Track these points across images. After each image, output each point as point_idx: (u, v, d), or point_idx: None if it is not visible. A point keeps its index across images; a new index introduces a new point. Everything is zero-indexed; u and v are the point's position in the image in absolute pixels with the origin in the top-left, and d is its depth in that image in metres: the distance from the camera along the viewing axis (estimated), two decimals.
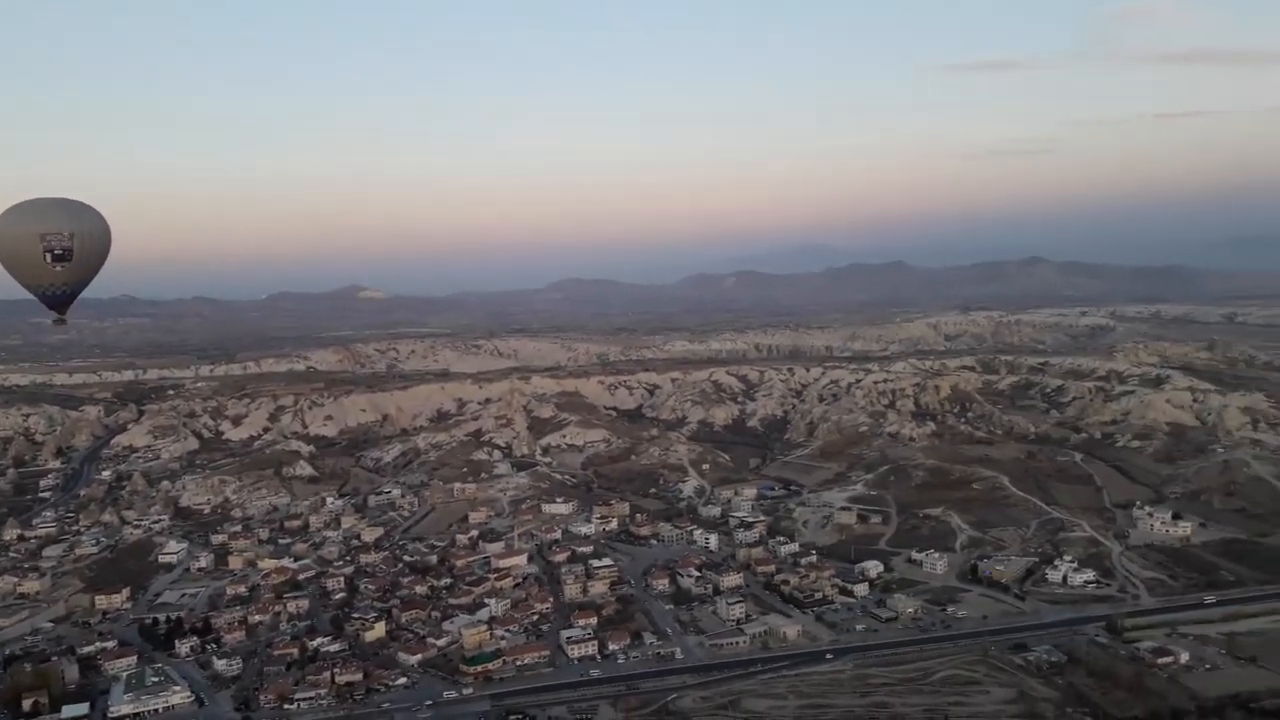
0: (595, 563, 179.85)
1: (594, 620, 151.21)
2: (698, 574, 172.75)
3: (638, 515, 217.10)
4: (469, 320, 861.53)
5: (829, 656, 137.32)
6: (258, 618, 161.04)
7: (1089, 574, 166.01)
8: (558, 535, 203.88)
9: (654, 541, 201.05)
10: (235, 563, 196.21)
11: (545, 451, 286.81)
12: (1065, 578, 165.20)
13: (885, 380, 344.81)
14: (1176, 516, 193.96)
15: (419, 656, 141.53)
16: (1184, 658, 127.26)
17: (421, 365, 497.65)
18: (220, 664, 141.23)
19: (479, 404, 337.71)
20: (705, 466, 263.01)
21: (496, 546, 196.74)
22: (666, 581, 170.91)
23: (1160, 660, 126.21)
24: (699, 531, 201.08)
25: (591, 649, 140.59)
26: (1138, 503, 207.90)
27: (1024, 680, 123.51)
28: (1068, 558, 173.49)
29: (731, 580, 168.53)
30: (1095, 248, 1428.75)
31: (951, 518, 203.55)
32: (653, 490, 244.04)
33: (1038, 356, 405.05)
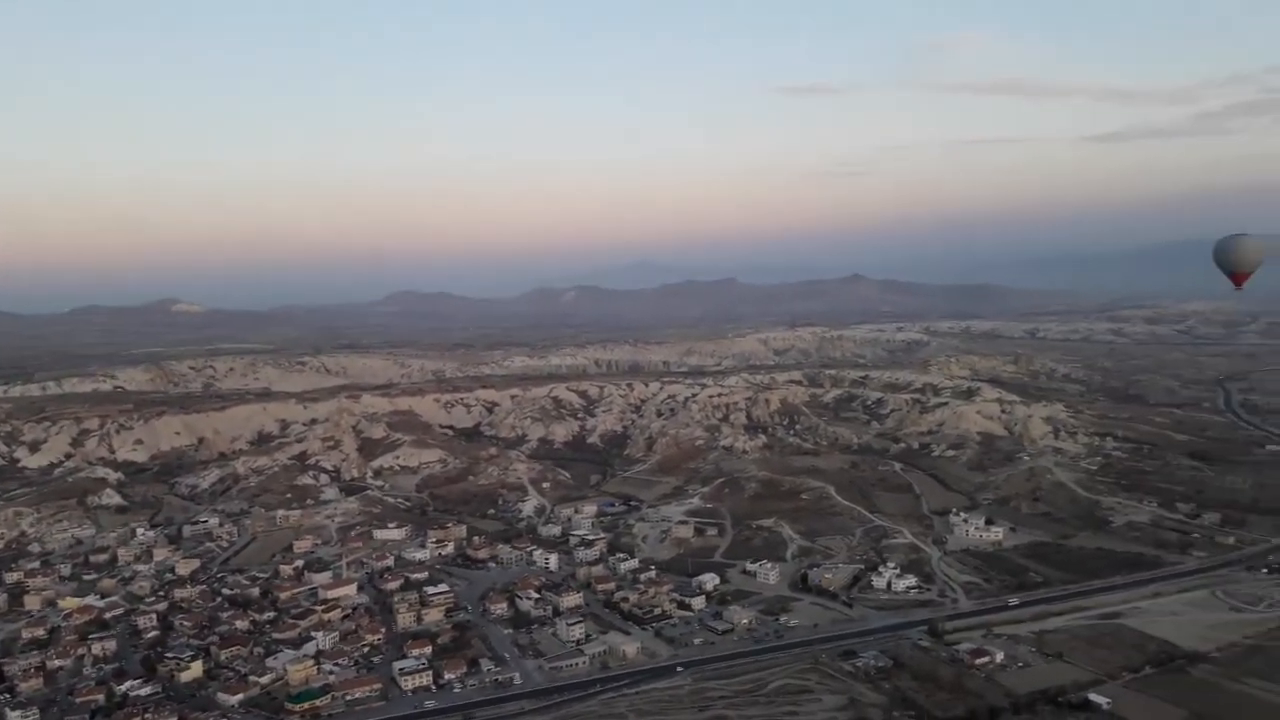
0: (430, 589, 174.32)
1: (429, 649, 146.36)
2: (537, 596, 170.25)
3: (475, 538, 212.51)
4: (295, 335, 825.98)
5: (679, 669, 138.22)
6: (58, 662, 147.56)
7: (911, 579, 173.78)
8: (390, 562, 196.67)
9: (492, 564, 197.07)
10: (32, 602, 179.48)
11: (377, 474, 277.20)
12: (889, 584, 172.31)
13: (720, 394, 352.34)
14: (989, 522, 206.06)
15: (240, 696, 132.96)
16: (999, 657, 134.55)
17: (241, 384, 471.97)
18: (14, 715, 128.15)
19: (304, 425, 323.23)
20: (545, 485, 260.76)
21: (324, 576, 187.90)
22: (505, 605, 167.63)
23: (978, 661, 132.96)
24: (539, 552, 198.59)
25: (426, 679, 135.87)
26: (954, 509, 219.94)
27: (853, 686, 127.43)
28: (891, 564, 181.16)
29: (571, 600, 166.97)
30: (911, 266, 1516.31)
31: (783, 528, 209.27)
32: (491, 511, 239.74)
33: (859, 370, 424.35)
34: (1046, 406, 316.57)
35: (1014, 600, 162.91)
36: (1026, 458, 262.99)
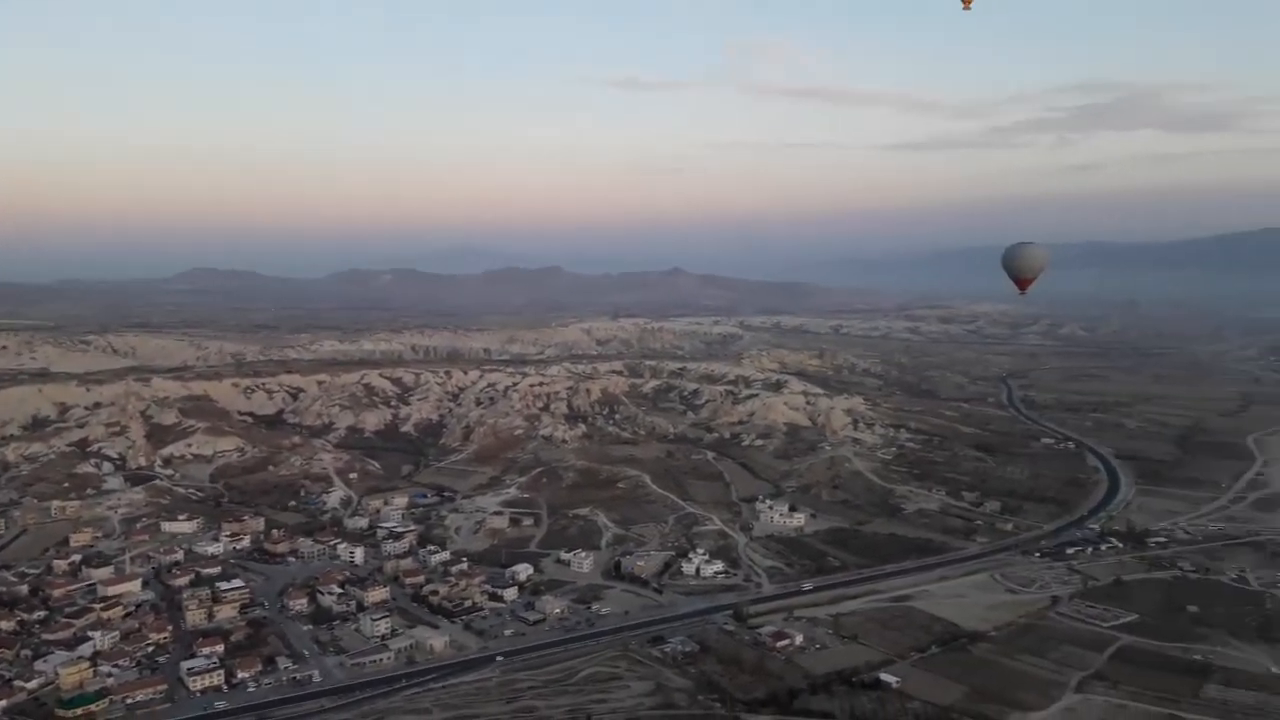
0: (223, 585, 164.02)
1: (221, 648, 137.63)
2: (340, 590, 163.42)
3: (274, 531, 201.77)
4: (77, 312, 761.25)
5: (499, 659, 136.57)
6: None
7: (719, 565, 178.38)
8: (179, 556, 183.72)
9: (292, 559, 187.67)
10: None
11: (167, 463, 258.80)
12: (698, 569, 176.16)
13: (541, 384, 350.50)
14: (793, 509, 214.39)
15: (4, 703, 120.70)
16: (799, 639, 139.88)
17: (15, 364, 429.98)
18: None
19: (86, 409, 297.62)
20: (353, 475, 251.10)
21: (104, 572, 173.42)
22: (305, 601, 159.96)
23: (779, 643, 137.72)
24: (344, 545, 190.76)
25: (217, 679, 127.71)
26: (760, 497, 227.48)
27: (661, 672, 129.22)
28: (701, 551, 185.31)
29: (377, 595, 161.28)
30: (728, 262, 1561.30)
31: (599, 516, 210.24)
32: (293, 503, 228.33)
33: (677, 362, 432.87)
34: (847, 399, 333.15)
35: (810, 585, 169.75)
36: (828, 448, 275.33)
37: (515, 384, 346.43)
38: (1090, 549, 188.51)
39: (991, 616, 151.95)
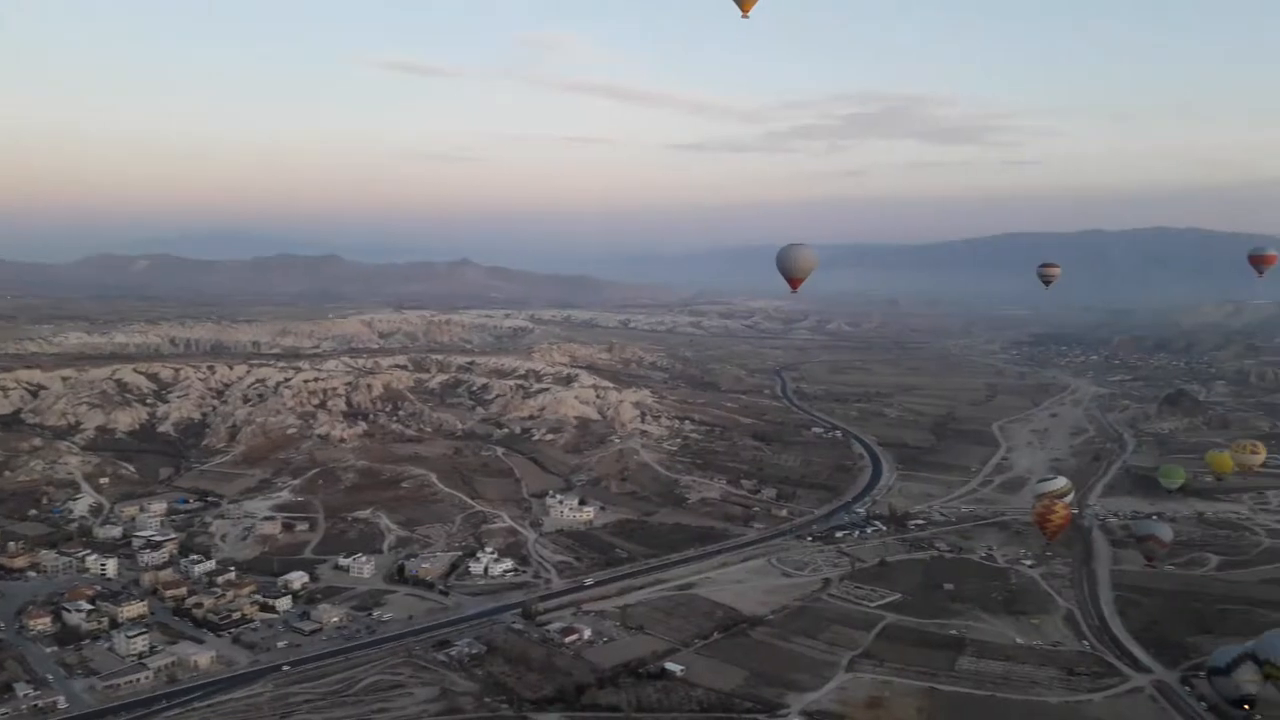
0: None
1: None
2: (90, 607, 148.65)
3: (11, 544, 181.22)
4: None
5: (285, 667, 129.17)
6: None
7: (509, 563, 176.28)
8: None
9: (33, 573, 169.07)
10: None
11: None
12: (487, 569, 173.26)
13: (317, 379, 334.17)
14: (582, 502, 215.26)
15: None
16: (587, 634, 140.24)
17: None
18: None
19: None
20: (104, 480, 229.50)
21: None
22: (49, 620, 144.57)
23: (567, 639, 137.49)
24: (94, 557, 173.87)
25: None
26: (551, 492, 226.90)
27: (447, 676, 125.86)
28: (489, 549, 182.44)
29: (133, 610, 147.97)
30: (518, 254, 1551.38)
31: (381, 518, 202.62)
32: (33, 512, 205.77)
33: (466, 356, 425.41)
34: (635, 392, 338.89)
35: (597, 579, 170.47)
36: (617, 440, 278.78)
37: (288, 380, 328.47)
38: (857, 532, 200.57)
39: (769, 600, 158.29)
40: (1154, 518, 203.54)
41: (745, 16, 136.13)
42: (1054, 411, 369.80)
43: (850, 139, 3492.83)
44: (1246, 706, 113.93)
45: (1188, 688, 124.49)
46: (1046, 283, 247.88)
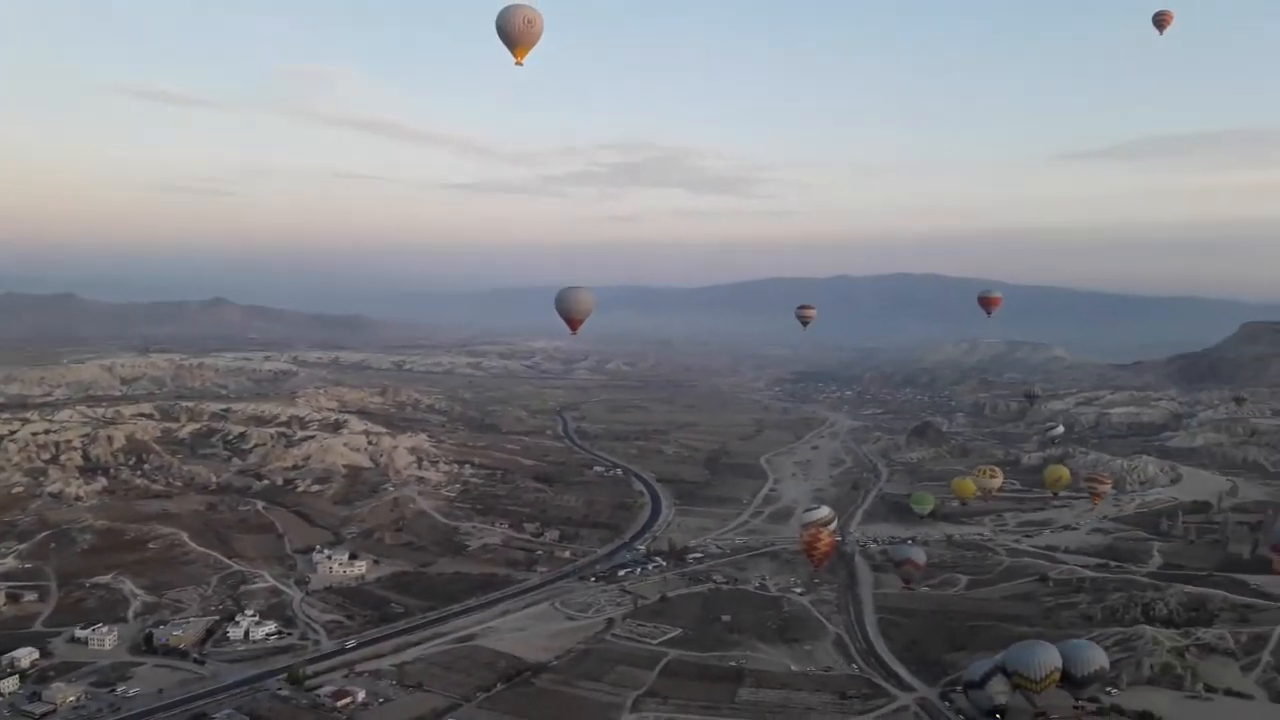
0: None
1: None
2: None
3: None
4: None
5: None
6: None
7: (271, 626, 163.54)
8: None
9: None
10: None
11: None
12: (247, 633, 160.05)
13: (48, 431, 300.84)
14: (353, 556, 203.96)
15: None
16: (360, 696, 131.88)
17: None
18: None
19: None
20: None
21: None
22: None
23: (339, 703, 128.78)
24: None
25: None
26: (318, 546, 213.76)
27: None
28: (250, 612, 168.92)
29: None
30: (280, 293, 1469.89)
31: (124, 584, 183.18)
32: None
33: (221, 402, 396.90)
34: (411, 437, 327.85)
35: (360, 640, 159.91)
36: (391, 488, 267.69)
37: (14, 432, 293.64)
38: (639, 569, 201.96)
39: (553, 646, 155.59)
40: (909, 542, 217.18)
41: (519, 64, 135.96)
42: (815, 444, 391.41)
43: (620, 186, 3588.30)
44: (999, 716, 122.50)
45: (947, 703, 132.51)
46: (804, 323, 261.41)
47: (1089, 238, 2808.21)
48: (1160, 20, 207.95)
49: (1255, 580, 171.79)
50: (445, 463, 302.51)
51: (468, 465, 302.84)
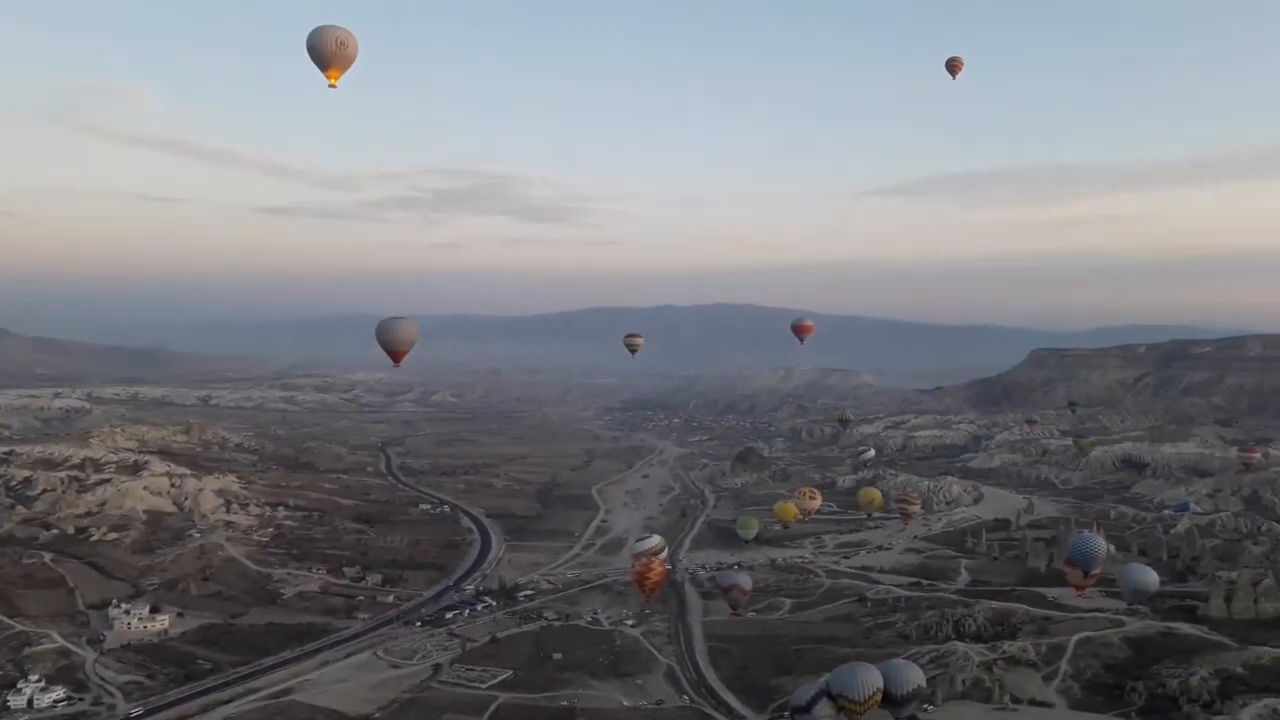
0: None
1: None
2: None
3: None
4: None
5: None
6: None
7: (59, 691, 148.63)
8: None
9: None
10: None
11: None
12: (31, 700, 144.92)
13: None
14: (155, 610, 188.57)
15: None
16: None
17: None
18: None
19: None
20: None
21: None
22: None
23: None
24: None
25: None
26: (115, 600, 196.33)
27: None
28: (34, 677, 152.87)
29: None
30: (71, 323, 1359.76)
31: None
32: None
33: (3, 445, 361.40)
34: (219, 479, 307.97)
35: (137, 710, 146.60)
36: (197, 534, 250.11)
37: None
38: (468, 610, 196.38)
39: (375, 697, 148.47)
40: (735, 567, 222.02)
41: (333, 86, 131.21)
42: (645, 473, 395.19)
43: (444, 212, 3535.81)
44: None
45: None
46: (633, 351, 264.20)
47: (892, 269, 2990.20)
48: (952, 66, 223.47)
49: (1052, 593, 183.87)
50: (256, 505, 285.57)
51: (281, 507, 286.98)
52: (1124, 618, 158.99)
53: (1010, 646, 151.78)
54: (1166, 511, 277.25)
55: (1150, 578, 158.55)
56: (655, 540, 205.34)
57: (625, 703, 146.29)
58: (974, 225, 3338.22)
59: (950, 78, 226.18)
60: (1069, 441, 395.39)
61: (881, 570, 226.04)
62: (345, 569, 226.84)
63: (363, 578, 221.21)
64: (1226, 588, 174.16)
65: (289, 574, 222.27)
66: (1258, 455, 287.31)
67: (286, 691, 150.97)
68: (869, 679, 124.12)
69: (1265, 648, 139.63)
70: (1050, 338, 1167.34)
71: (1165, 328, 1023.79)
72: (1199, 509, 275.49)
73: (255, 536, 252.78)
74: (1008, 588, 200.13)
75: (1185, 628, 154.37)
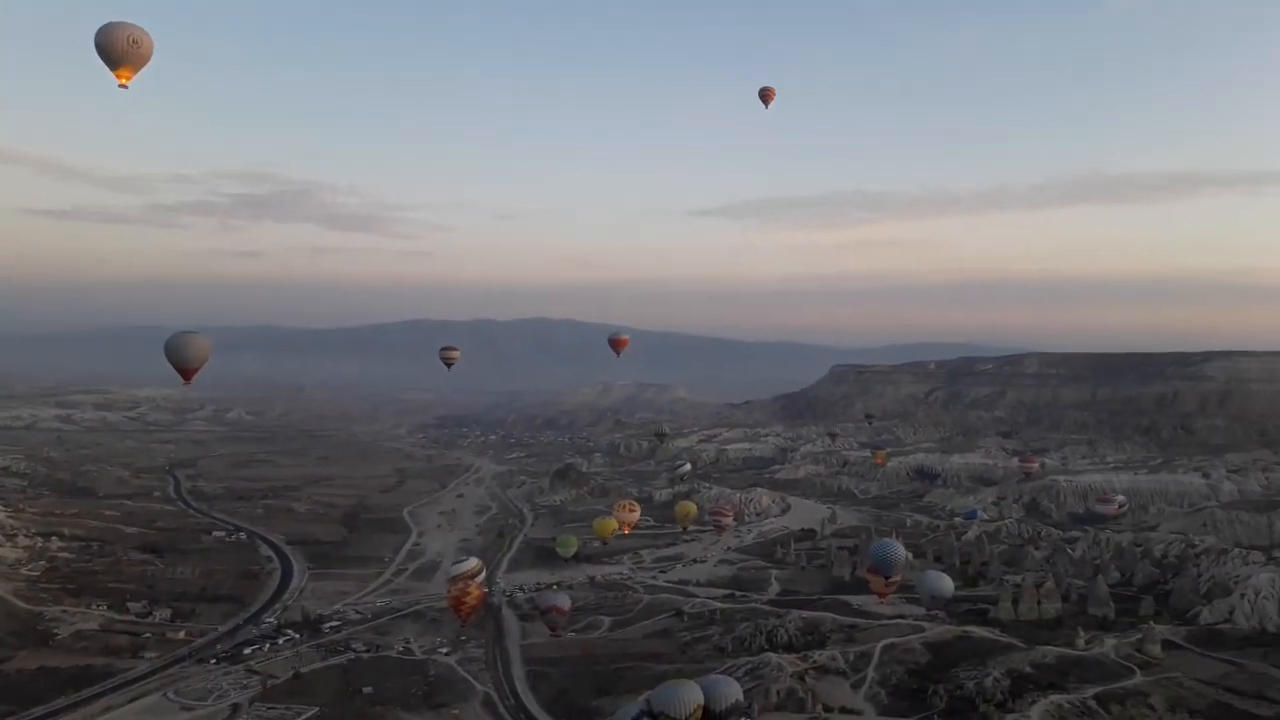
0: None
1: None
2: None
3: None
4: None
5: None
6: None
7: None
8: None
9: None
10: None
11: None
12: None
13: None
14: None
15: None
16: None
17: None
18: None
19: None
20: None
21: None
22: None
23: None
24: None
25: None
26: None
27: None
28: None
29: None
30: None
31: None
32: None
33: None
34: None
35: None
36: None
37: None
38: (268, 645, 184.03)
39: None
40: (554, 587, 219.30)
41: (123, 86, 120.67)
42: (460, 492, 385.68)
43: (243, 219, 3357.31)
44: None
45: None
46: (448, 365, 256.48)
47: (705, 288, 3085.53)
48: (764, 95, 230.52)
49: (857, 600, 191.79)
50: (26, 535, 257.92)
51: (55, 537, 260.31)
52: (924, 623, 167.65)
53: (820, 655, 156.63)
54: (957, 519, 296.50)
55: (946, 584, 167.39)
56: (473, 563, 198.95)
57: None
58: (779, 247, 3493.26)
59: (763, 107, 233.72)
60: (867, 453, 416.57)
61: (697, 584, 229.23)
62: (129, 604, 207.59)
63: (149, 613, 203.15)
64: (1013, 591, 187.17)
65: (64, 612, 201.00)
66: (1036, 465, 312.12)
67: None
68: (690, 696, 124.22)
69: (1049, 647, 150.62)
70: (849, 354, 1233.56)
71: (953, 345, 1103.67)
72: (985, 516, 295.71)
73: (25, 571, 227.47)
74: (815, 596, 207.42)
75: (979, 630, 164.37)
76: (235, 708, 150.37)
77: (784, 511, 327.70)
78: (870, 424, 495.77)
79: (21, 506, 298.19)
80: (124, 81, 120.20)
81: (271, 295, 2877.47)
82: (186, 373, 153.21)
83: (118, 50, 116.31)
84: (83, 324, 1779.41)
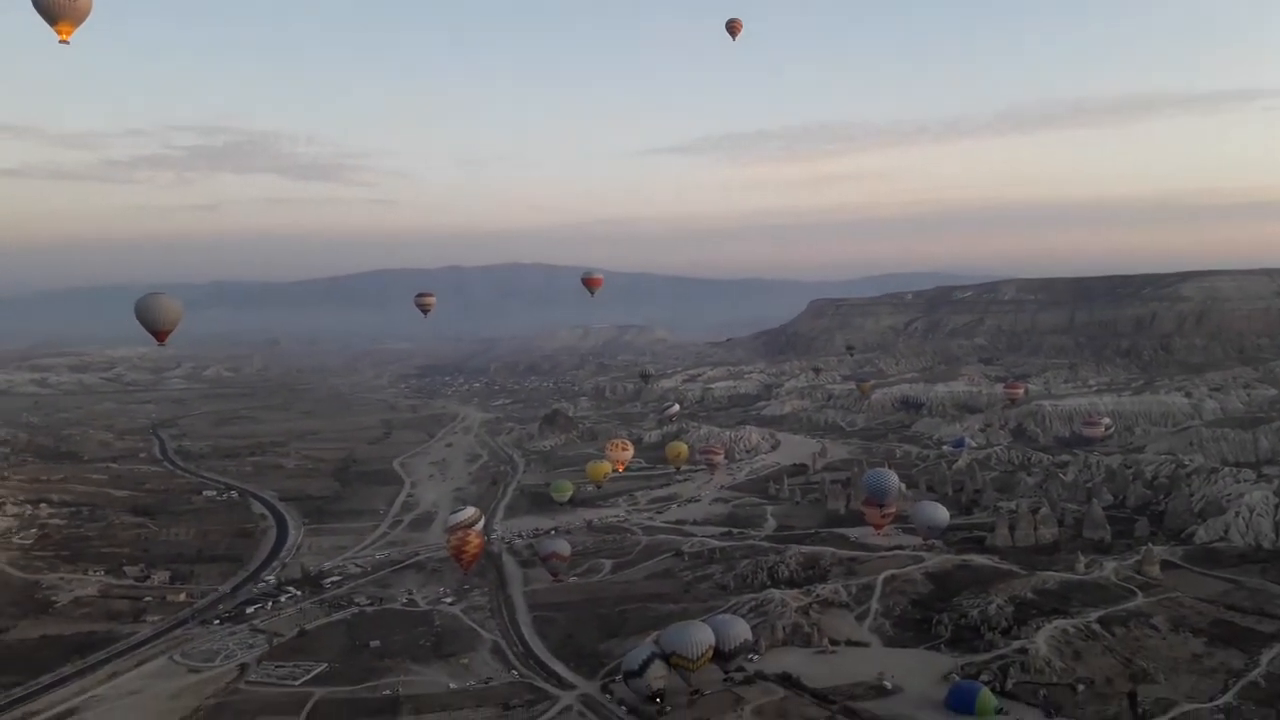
0: None
1: None
2: None
3: None
4: None
5: None
6: None
7: None
8: None
9: None
10: None
11: None
12: None
13: None
14: None
15: None
16: None
17: None
18: None
19: None
20: None
21: None
22: None
23: None
24: None
25: None
26: None
27: None
28: None
29: None
30: None
31: None
32: None
33: None
34: None
35: None
36: None
37: None
38: (271, 603, 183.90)
39: (177, 706, 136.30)
40: (552, 533, 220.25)
41: (64, 42, 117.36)
42: (449, 441, 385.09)
43: (198, 171, 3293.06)
44: (659, 700, 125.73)
45: (608, 695, 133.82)
46: (425, 311, 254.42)
47: (676, 226, 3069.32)
48: (732, 27, 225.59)
49: (854, 533, 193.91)
50: (14, 504, 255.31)
51: (44, 504, 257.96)
52: (923, 554, 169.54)
53: (823, 589, 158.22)
54: (945, 447, 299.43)
55: (941, 514, 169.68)
56: (470, 511, 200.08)
57: (452, 685, 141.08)
58: (747, 182, 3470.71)
59: (730, 39, 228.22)
60: (852, 386, 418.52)
61: (694, 523, 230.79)
62: (126, 568, 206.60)
63: (148, 576, 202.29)
64: (1009, 518, 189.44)
65: (61, 579, 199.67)
66: (1020, 391, 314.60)
67: (71, 712, 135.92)
68: (701, 637, 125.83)
69: (1050, 573, 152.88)
70: (824, 288, 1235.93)
71: (928, 275, 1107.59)
72: (974, 443, 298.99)
73: (16, 539, 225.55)
74: (812, 530, 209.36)
75: (979, 558, 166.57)
76: (243, 667, 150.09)
77: (774, 448, 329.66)
78: (852, 356, 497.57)
79: (7, 474, 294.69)
80: (64, 37, 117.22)
81: (234, 249, 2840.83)
82: (160, 335, 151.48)
83: (55, 5, 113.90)
84: (49, 285, 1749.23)
